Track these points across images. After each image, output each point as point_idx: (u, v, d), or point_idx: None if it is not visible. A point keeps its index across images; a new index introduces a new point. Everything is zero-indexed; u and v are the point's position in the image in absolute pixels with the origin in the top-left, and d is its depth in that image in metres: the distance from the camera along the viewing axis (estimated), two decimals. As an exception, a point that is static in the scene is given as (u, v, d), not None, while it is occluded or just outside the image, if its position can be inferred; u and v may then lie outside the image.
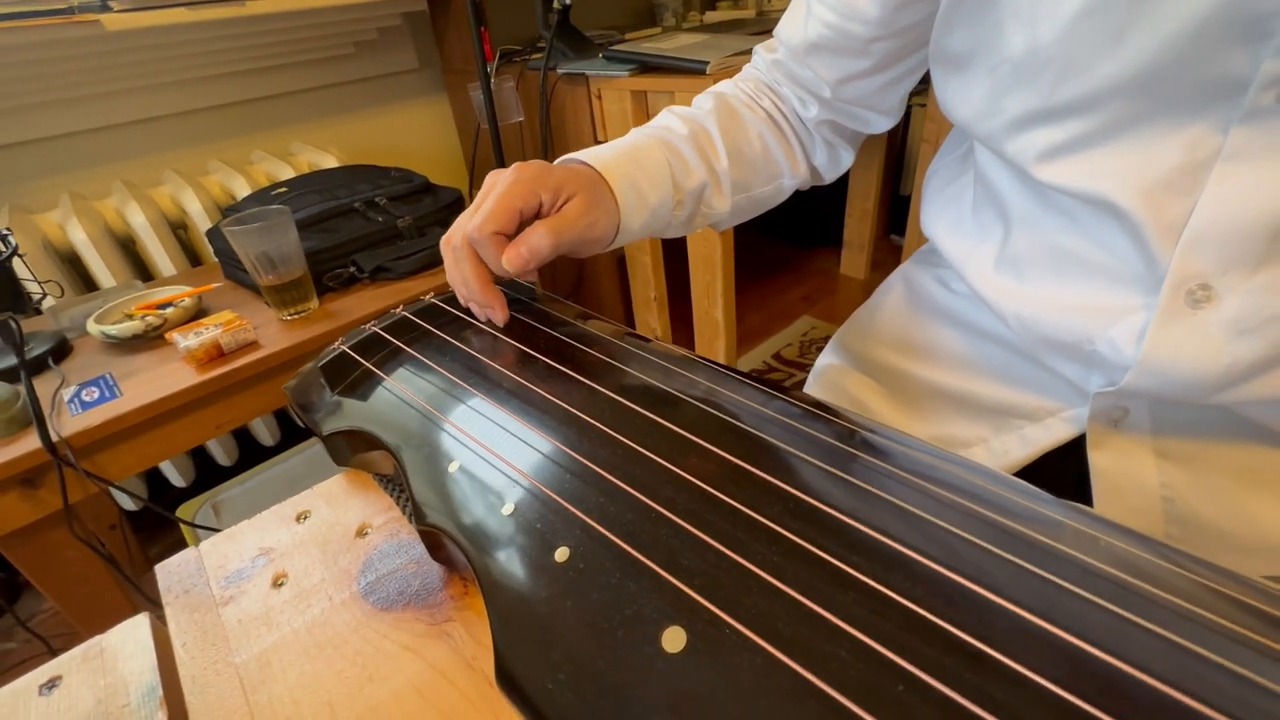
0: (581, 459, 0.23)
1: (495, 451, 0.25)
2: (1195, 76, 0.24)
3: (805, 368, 1.46)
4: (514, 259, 0.32)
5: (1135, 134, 0.26)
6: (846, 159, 0.48)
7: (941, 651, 0.15)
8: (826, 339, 1.57)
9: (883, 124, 0.45)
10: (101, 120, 1.04)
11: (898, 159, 1.86)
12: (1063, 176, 0.29)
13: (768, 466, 0.22)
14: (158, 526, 1.15)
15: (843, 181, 1.69)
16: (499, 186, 0.33)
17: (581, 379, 0.28)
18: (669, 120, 0.43)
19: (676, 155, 0.40)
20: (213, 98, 1.14)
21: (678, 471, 0.22)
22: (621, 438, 0.24)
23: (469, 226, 0.32)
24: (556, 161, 0.39)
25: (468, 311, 0.36)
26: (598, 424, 0.25)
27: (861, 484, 0.21)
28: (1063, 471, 0.34)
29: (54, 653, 0.93)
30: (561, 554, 0.20)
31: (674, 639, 0.17)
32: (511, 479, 0.24)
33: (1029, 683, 0.14)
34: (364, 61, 1.29)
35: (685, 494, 0.21)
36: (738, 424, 0.24)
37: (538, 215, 0.34)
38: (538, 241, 0.32)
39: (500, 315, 0.34)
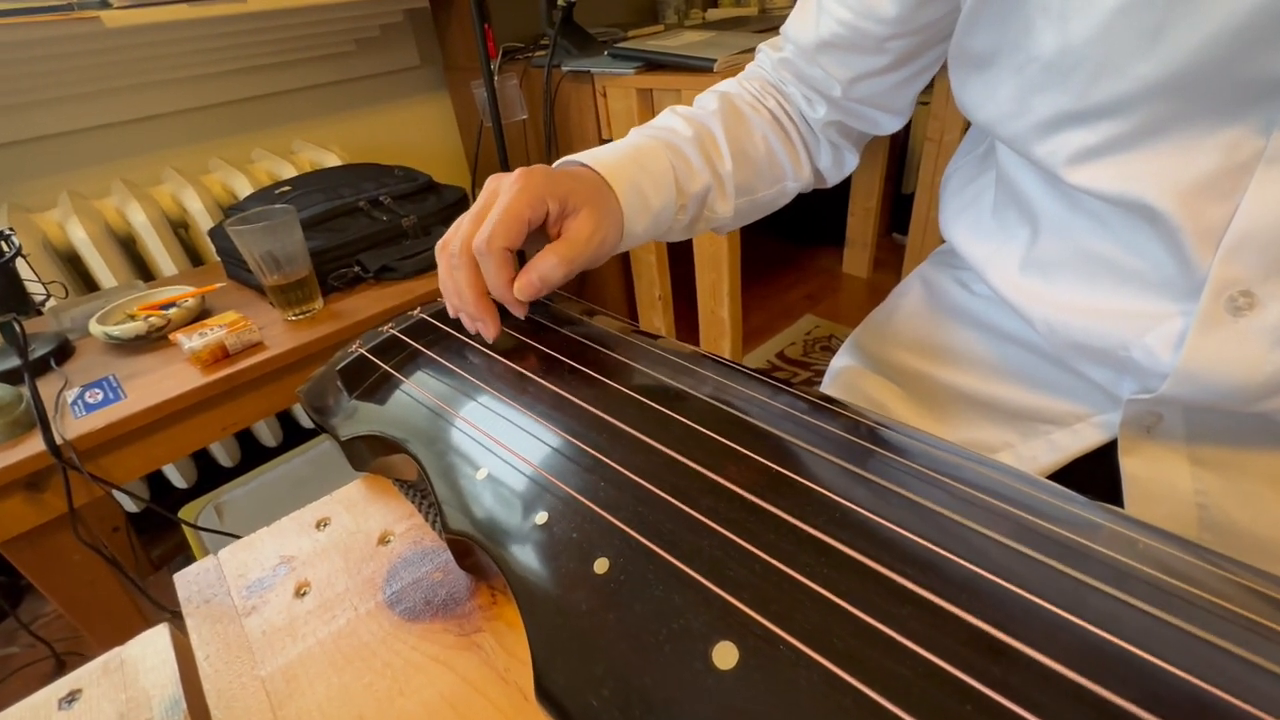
0: (616, 465, 0.23)
1: (524, 457, 0.24)
2: (1236, 77, 0.23)
3: (809, 366, 1.46)
4: (526, 288, 0.31)
5: (1172, 136, 0.26)
6: (851, 162, 0.47)
7: (1009, 669, 0.15)
8: (830, 338, 1.57)
9: (892, 125, 0.44)
10: (101, 118, 1.03)
11: (900, 158, 1.85)
12: (1095, 180, 0.28)
13: (810, 474, 0.21)
14: (160, 528, 1.14)
15: (845, 180, 1.68)
16: (505, 195, 0.31)
17: (610, 383, 0.28)
18: (672, 121, 0.42)
19: (680, 158, 0.39)
20: (213, 95, 1.13)
21: (717, 479, 0.21)
22: (656, 444, 0.24)
23: (477, 238, 0.31)
24: (556, 164, 0.38)
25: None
26: (630, 429, 0.24)
27: (909, 494, 0.20)
28: (1093, 478, 0.34)
29: (57, 657, 0.92)
30: (601, 565, 0.20)
31: (725, 655, 0.16)
32: (543, 486, 0.23)
33: (1109, 706, 0.14)
34: (365, 59, 1.28)
35: (726, 502, 0.21)
36: (774, 430, 0.24)
37: (544, 225, 0.33)
38: (549, 271, 0.31)
39: (491, 330, 0.32)
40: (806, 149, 0.45)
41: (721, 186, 0.41)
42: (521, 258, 0.34)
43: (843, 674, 0.15)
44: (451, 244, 0.32)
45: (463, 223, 0.32)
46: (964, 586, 0.17)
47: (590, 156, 0.36)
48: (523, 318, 0.33)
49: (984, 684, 0.14)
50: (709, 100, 0.44)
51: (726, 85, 0.46)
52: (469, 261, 0.31)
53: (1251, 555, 0.30)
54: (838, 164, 0.47)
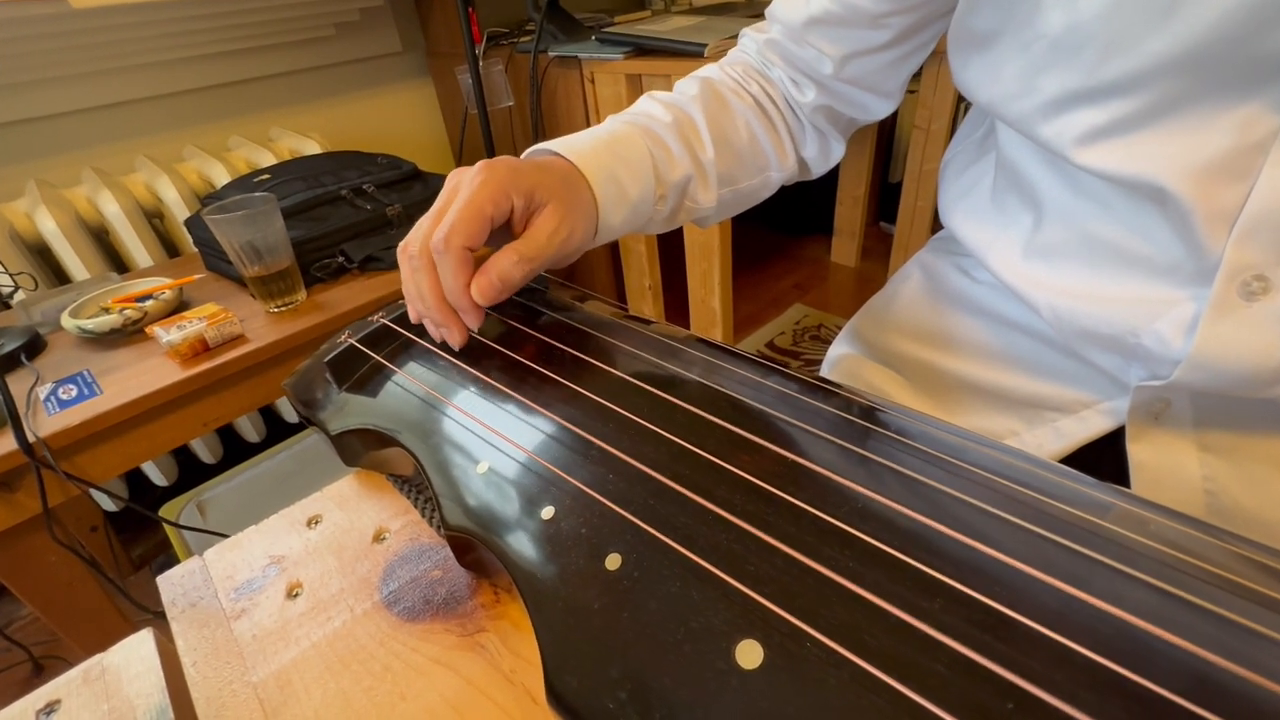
0: (625, 457, 0.22)
1: (527, 449, 0.23)
2: (1251, 53, 0.23)
3: (799, 356, 1.46)
4: (486, 290, 0.28)
5: (1183, 115, 0.25)
6: (837, 151, 0.45)
7: (1051, 664, 0.14)
8: (819, 327, 1.57)
9: (882, 109, 0.42)
10: (69, 104, 0.99)
11: (887, 146, 1.85)
12: (1104, 160, 0.28)
13: (827, 462, 0.20)
14: (140, 527, 1.12)
15: (833, 169, 1.68)
16: (466, 189, 0.29)
17: (613, 370, 0.27)
18: (650, 106, 0.40)
19: (659, 145, 0.37)
20: (187, 81, 1.09)
21: (731, 469, 0.21)
22: (665, 433, 0.23)
23: (434, 237, 0.28)
24: (525, 153, 0.36)
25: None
26: (637, 419, 0.24)
27: (931, 481, 0.19)
28: (1099, 465, 0.33)
29: (35, 661, 0.89)
30: (613, 561, 0.19)
31: (749, 653, 0.16)
32: (548, 479, 0.22)
33: (1156, 698, 0.13)
34: (345, 44, 1.24)
35: (742, 493, 0.20)
36: (786, 417, 0.23)
37: (509, 222, 0.30)
38: (508, 270, 0.29)
39: (457, 337, 0.29)
40: (791, 137, 0.44)
41: (704, 176, 0.39)
42: None
43: (876, 671, 0.14)
44: (411, 245, 0.29)
45: (423, 222, 0.30)
46: (997, 577, 0.16)
47: (562, 145, 0.34)
48: (475, 328, 0.30)
49: (1025, 679, 0.14)
50: (689, 85, 0.42)
51: (708, 70, 0.44)
52: (429, 264, 0.29)
53: (1259, 539, 0.30)
54: (824, 153, 0.45)
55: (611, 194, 0.34)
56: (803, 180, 0.47)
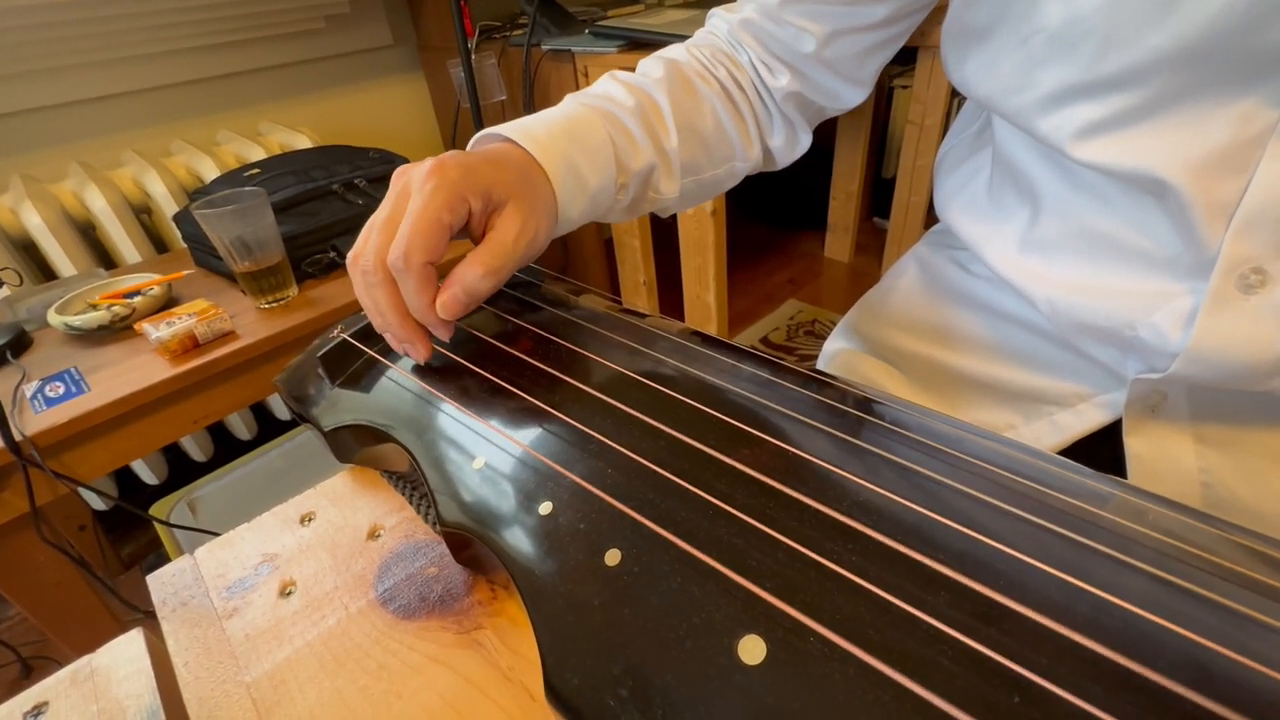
0: (624, 450, 0.22)
1: (524, 444, 0.23)
2: (1249, 47, 0.23)
3: (793, 351, 1.46)
4: (451, 304, 0.26)
5: (1182, 109, 0.25)
6: (804, 142, 0.44)
7: (1056, 656, 0.14)
8: (813, 322, 1.58)
9: (853, 98, 0.41)
10: (54, 98, 0.98)
11: (880, 141, 1.85)
12: (1103, 154, 0.27)
13: (828, 455, 0.20)
14: (130, 526, 1.10)
15: (827, 164, 1.68)
16: (419, 197, 0.26)
17: (610, 364, 0.27)
18: (611, 88, 0.37)
19: (621, 131, 0.35)
20: (174, 74, 1.08)
21: (731, 462, 0.20)
22: (664, 427, 0.22)
23: (391, 254, 0.26)
24: (474, 139, 0.34)
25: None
26: (635, 412, 0.23)
27: (933, 474, 0.19)
28: (1096, 457, 0.33)
29: (23, 662, 0.88)
30: (612, 556, 0.19)
31: (752, 649, 0.15)
32: (545, 474, 0.22)
33: (1165, 692, 0.13)
34: (335, 37, 1.23)
35: (743, 487, 0.20)
36: (786, 411, 0.23)
37: (467, 225, 0.28)
38: (475, 283, 0.27)
39: (422, 352, 0.28)
40: (758, 125, 0.42)
41: (667, 165, 0.38)
42: None
43: (880, 666, 0.14)
44: (364, 259, 0.27)
45: (373, 230, 0.27)
46: (1000, 570, 0.16)
47: (517, 130, 0.32)
48: (448, 339, 0.28)
49: (1031, 671, 0.14)
50: (654, 67, 0.40)
51: (673, 51, 0.42)
52: (385, 278, 0.26)
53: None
54: (790, 143, 0.43)
55: (571, 186, 0.32)
56: (767, 170, 0.46)
